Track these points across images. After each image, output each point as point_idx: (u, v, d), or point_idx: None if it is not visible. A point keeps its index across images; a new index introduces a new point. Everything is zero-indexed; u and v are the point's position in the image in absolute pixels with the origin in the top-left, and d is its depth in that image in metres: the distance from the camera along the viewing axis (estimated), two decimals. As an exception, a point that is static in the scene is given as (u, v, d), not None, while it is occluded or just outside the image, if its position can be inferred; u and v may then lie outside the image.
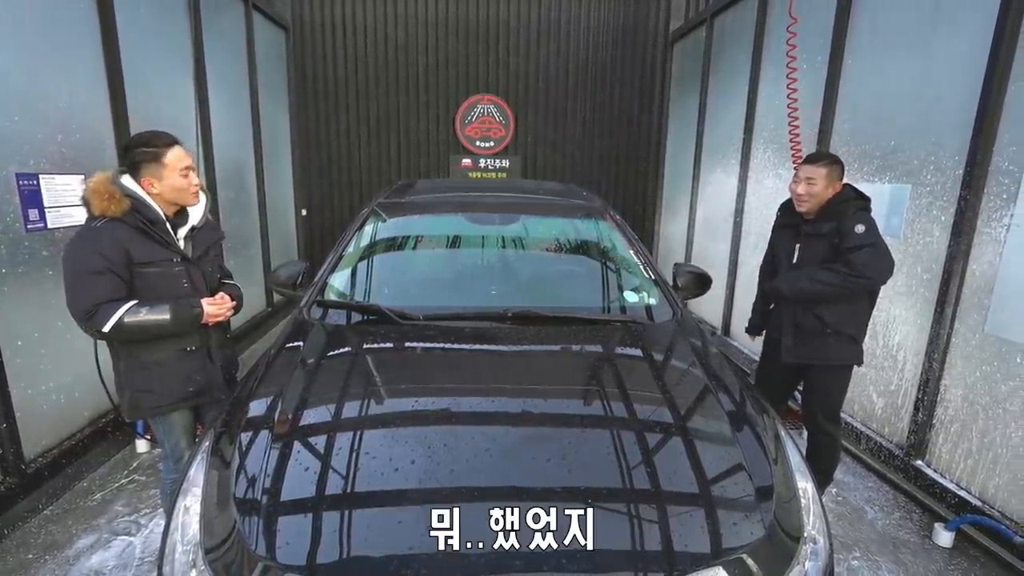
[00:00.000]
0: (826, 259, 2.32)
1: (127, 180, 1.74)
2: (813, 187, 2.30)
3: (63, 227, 2.63)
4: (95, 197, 1.69)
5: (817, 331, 2.37)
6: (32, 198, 2.47)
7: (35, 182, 2.48)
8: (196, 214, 1.90)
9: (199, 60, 3.93)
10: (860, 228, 2.21)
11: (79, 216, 2.71)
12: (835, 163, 2.31)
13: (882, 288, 2.95)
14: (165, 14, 3.57)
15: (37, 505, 2.51)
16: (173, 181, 1.76)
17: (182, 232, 1.86)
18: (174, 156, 1.75)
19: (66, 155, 2.67)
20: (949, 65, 2.60)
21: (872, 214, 2.31)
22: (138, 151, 1.73)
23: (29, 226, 2.46)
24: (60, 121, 2.64)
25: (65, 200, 2.64)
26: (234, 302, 1.96)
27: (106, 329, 1.65)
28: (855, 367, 2.45)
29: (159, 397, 1.85)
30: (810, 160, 2.34)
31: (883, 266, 2.24)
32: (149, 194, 1.76)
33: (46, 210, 2.54)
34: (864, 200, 2.32)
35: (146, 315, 1.69)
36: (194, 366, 1.89)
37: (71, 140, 2.71)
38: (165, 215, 1.79)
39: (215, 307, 1.86)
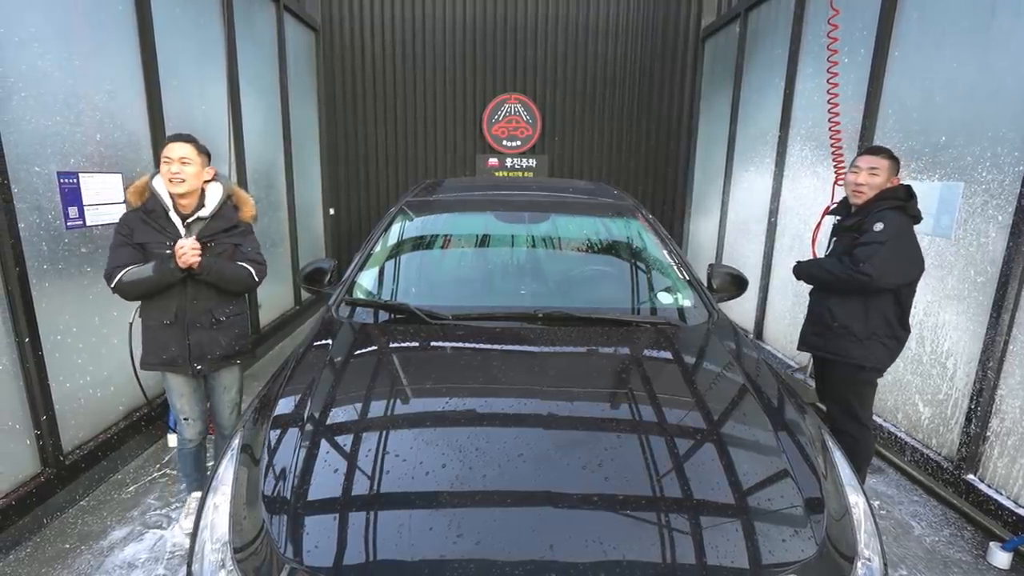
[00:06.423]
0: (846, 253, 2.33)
1: (155, 180, 2.10)
2: (875, 178, 2.26)
3: (101, 224, 2.69)
4: (128, 192, 2.11)
5: (826, 323, 2.37)
6: (72, 196, 2.53)
7: (75, 180, 2.54)
8: (210, 205, 2.13)
9: (231, 61, 3.99)
10: (879, 225, 2.17)
11: (115, 215, 2.78)
12: (895, 158, 2.30)
13: (930, 291, 2.82)
14: (199, 15, 3.63)
15: (74, 496, 2.57)
16: (163, 170, 2.04)
17: (191, 220, 2.10)
18: (165, 149, 2.04)
19: (104, 154, 2.73)
20: (1009, 54, 2.44)
21: (911, 215, 2.23)
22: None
23: (69, 223, 2.52)
24: (99, 121, 2.70)
25: (103, 199, 2.71)
26: (197, 248, 2.03)
27: (112, 285, 2.03)
28: (875, 373, 2.35)
29: (145, 356, 2.20)
30: (872, 151, 2.34)
31: (888, 266, 2.15)
32: (166, 186, 2.06)
33: (85, 208, 2.60)
34: (903, 200, 2.22)
35: (135, 272, 2.02)
36: (169, 337, 2.16)
37: (109, 139, 2.77)
38: (177, 207, 2.07)
39: (183, 255, 2.01)
